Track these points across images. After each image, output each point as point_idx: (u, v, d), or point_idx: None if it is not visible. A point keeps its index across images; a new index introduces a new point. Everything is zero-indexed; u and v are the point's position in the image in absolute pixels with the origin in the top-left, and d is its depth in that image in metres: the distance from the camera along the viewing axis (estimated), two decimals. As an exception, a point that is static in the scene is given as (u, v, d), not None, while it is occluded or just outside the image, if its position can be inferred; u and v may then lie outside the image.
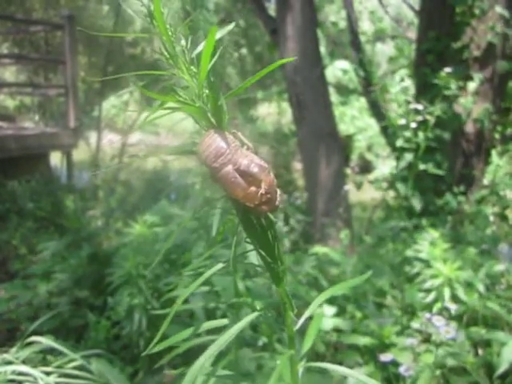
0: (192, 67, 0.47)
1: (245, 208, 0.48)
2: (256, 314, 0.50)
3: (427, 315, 1.43)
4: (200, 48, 0.47)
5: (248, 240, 0.49)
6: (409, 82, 3.46)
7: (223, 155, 0.46)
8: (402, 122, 3.37)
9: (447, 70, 3.28)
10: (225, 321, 0.54)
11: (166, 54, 0.46)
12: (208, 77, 0.45)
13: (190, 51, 0.48)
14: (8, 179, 4.13)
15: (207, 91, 0.46)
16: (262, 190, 0.46)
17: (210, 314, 1.35)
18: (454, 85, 3.29)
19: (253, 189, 0.46)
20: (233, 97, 0.48)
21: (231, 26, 0.48)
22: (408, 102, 3.41)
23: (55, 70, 7.68)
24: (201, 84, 0.46)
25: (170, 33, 0.46)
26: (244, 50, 9.82)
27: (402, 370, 1.33)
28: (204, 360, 0.46)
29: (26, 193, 4.13)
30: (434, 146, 3.30)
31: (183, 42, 0.48)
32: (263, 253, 0.48)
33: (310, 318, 0.57)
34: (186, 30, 0.48)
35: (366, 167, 10.14)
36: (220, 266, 0.51)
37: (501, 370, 1.45)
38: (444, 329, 1.36)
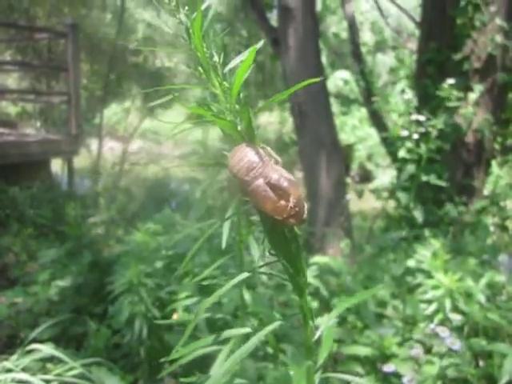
0: (224, 82, 0.48)
1: (272, 220, 0.49)
2: (277, 323, 0.51)
3: (432, 326, 1.43)
4: (232, 64, 0.49)
5: (272, 251, 0.50)
6: (411, 95, 3.49)
7: (255, 169, 0.47)
8: (404, 133, 3.39)
9: (450, 81, 3.30)
10: (239, 331, 0.55)
11: (200, 69, 0.48)
12: (239, 92, 0.47)
13: (222, 67, 0.49)
14: (9, 185, 4.14)
15: (238, 106, 0.47)
16: (291, 204, 0.47)
17: (212, 325, 1.35)
18: (455, 96, 3.31)
19: (282, 202, 0.47)
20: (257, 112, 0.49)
21: (260, 43, 0.49)
22: (410, 114, 3.43)
23: (57, 77, 7.72)
24: (233, 99, 0.47)
25: (204, 49, 0.47)
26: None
27: (405, 380, 1.32)
28: (227, 368, 0.47)
29: (27, 199, 4.14)
30: (436, 157, 3.32)
31: (216, 58, 0.49)
32: (287, 264, 0.49)
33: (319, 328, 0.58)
34: (219, 47, 0.49)
35: (366, 176, 10.16)
36: (236, 279, 0.52)
37: (503, 381, 1.44)
38: (449, 340, 1.36)
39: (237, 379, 0.61)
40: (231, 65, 0.49)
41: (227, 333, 0.56)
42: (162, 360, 0.55)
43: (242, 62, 0.44)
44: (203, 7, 0.51)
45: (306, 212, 0.48)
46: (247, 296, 0.73)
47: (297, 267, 0.50)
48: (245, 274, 0.52)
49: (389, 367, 1.40)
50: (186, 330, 0.53)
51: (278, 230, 0.50)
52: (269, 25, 3.92)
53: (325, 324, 0.53)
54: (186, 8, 0.49)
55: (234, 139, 0.50)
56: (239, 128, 0.49)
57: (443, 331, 1.38)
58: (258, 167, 0.47)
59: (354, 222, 4.28)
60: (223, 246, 0.64)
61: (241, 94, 0.48)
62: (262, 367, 0.81)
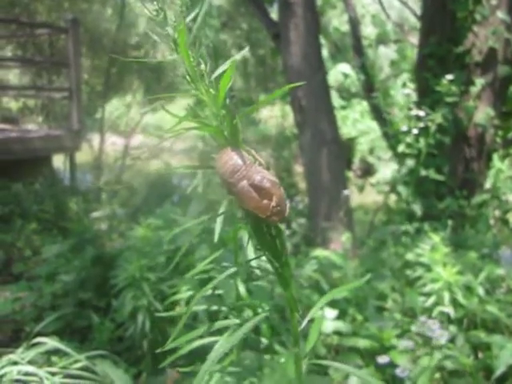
0: (211, 90, 0.51)
1: (257, 218, 0.52)
2: (262, 315, 0.53)
3: (423, 319, 1.45)
4: (219, 71, 0.51)
5: (258, 247, 0.53)
6: (411, 90, 3.49)
7: (239, 171, 0.51)
8: (404, 128, 3.40)
9: (449, 77, 3.30)
10: (232, 321, 0.57)
11: (187, 78, 0.50)
12: (225, 99, 0.49)
13: (208, 74, 0.52)
14: (12, 181, 4.17)
15: (224, 111, 0.50)
16: (273, 203, 0.50)
17: (213, 316, 1.38)
18: (454, 91, 3.31)
19: (265, 202, 0.50)
20: (244, 114, 0.52)
21: (245, 51, 0.52)
22: (409, 109, 3.44)
23: (58, 72, 7.73)
24: (219, 106, 0.49)
25: (191, 58, 0.50)
26: (247, 53, 9.85)
27: (398, 371, 1.35)
28: (214, 358, 0.49)
29: (30, 195, 4.17)
30: (435, 152, 3.33)
31: (203, 67, 0.51)
32: (272, 258, 0.52)
33: (312, 319, 0.60)
34: (204, 56, 0.51)
35: (368, 170, 10.16)
36: (229, 272, 0.54)
37: (498, 372, 1.47)
38: (438, 332, 1.38)
39: (234, 369, 0.63)
40: (218, 71, 0.52)
41: (218, 324, 0.58)
42: (160, 350, 0.57)
43: (225, 71, 0.47)
44: (192, 15, 0.53)
45: (287, 210, 0.52)
46: (242, 288, 0.75)
47: (281, 261, 0.53)
48: (228, 271, 0.54)
49: (383, 358, 1.42)
50: (181, 320, 0.55)
51: (263, 226, 0.53)
52: (269, 19, 3.91)
53: (313, 313, 0.56)
54: (173, 20, 0.52)
55: (221, 143, 0.52)
56: (225, 133, 0.52)
57: (433, 323, 1.40)
58: (242, 170, 0.51)
59: (355, 215, 4.30)
60: (215, 239, 0.67)
61: (227, 100, 0.50)
62: (260, 358, 0.83)
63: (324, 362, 0.55)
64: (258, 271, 0.59)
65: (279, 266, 0.53)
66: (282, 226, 0.53)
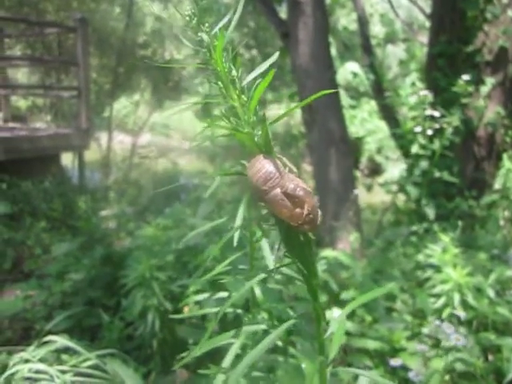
0: (242, 96, 0.50)
1: (287, 226, 0.52)
2: (291, 322, 0.53)
3: (437, 322, 1.44)
4: (249, 78, 0.51)
5: (287, 254, 0.54)
6: (426, 91, 3.46)
7: (272, 179, 0.50)
8: (418, 129, 3.37)
9: (465, 77, 3.27)
10: (258, 327, 0.57)
11: (219, 83, 0.50)
12: (256, 106, 0.49)
13: (240, 81, 0.51)
14: (21, 180, 4.20)
15: (255, 117, 0.49)
16: (306, 211, 0.50)
17: (223, 317, 1.38)
18: (468, 92, 3.29)
19: (298, 210, 0.50)
20: (273, 123, 0.51)
21: (274, 57, 0.51)
22: (424, 109, 3.41)
23: (67, 71, 7.77)
24: (251, 112, 0.49)
25: (224, 64, 0.49)
26: (254, 52, 9.84)
27: (411, 375, 1.34)
28: (245, 364, 0.49)
29: (39, 193, 4.19)
30: (449, 154, 3.31)
31: (234, 73, 0.51)
32: (302, 267, 0.52)
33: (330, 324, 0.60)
34: (237, 63, 0.51)
35: (375, 169, 10.12)
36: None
37: (510, 375, 1.45)
38: (454, 336, 1.37)
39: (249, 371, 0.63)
40: (249, 78, 0.51)
41: (245, 329, 0.58)
42: (180, 356, 0.57)
43: (261, 79, 0.46)
44: (222, 23, 0.53)
45: (319, 219, 0.52)
46: (258, 291, 0.75)
47: (310, 270, 0.53)
48: (261, 275, 0.54)
49: (396, 361, 1.42)
50: (206, 329, 0.55)
51: (293, 234, 0.53)
52: (278, 18, 3.90)
53: (337, 320, 0.55)
54: (207, 25, 0.51)
55: (252, 150, 0.52)
56: (256, 140, 0.51)
57: (448, 327, 1.39)
58: (275, 178, 0.50)
59: (363, 215, 4.28)
60: (235, 243, 0.66)
61: (257, 107, 0.50)
62: (273, 359, 0.83)
63: (350, 370, 0.54)
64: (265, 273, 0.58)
65: (308, 273, 0.52)
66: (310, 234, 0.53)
